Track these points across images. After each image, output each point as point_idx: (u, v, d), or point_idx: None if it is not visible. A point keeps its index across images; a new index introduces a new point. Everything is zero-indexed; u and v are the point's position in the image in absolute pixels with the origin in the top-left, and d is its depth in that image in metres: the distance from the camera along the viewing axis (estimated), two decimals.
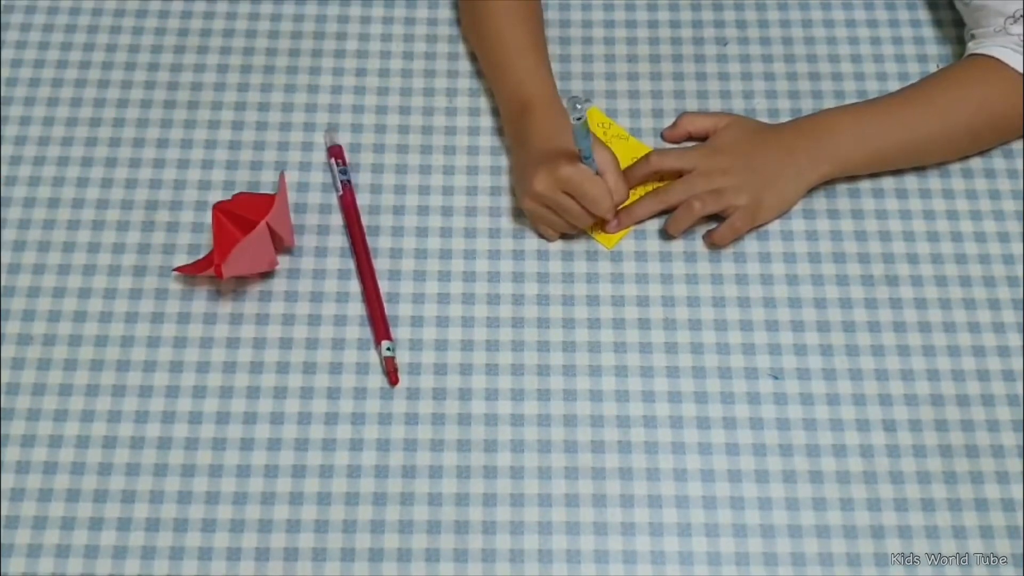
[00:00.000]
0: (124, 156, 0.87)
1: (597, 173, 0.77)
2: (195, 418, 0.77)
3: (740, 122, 0.86)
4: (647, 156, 0.85)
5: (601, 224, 0.84)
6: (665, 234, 0.84)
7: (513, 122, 0.84)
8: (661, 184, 0.85)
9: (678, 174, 0.84)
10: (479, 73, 0.90)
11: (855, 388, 0.79)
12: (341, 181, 0.85)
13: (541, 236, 0.84)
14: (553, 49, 0.92)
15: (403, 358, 0.79)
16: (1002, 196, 0.86)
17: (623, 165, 0.82)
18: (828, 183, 0.85)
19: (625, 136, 0.88)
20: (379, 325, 0.79)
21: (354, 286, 0.82)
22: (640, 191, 0.85)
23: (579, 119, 0.70)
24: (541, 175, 0.78)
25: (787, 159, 0.83)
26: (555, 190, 0.78)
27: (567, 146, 0.77)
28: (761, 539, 0.74)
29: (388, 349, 0.78)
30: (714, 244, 0.83)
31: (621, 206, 0.83)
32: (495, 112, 0.89)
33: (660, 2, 0.95)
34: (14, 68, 0.91)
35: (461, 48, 0.92)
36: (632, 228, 0.84)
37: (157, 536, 0.74)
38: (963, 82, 0.85)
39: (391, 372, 0.78)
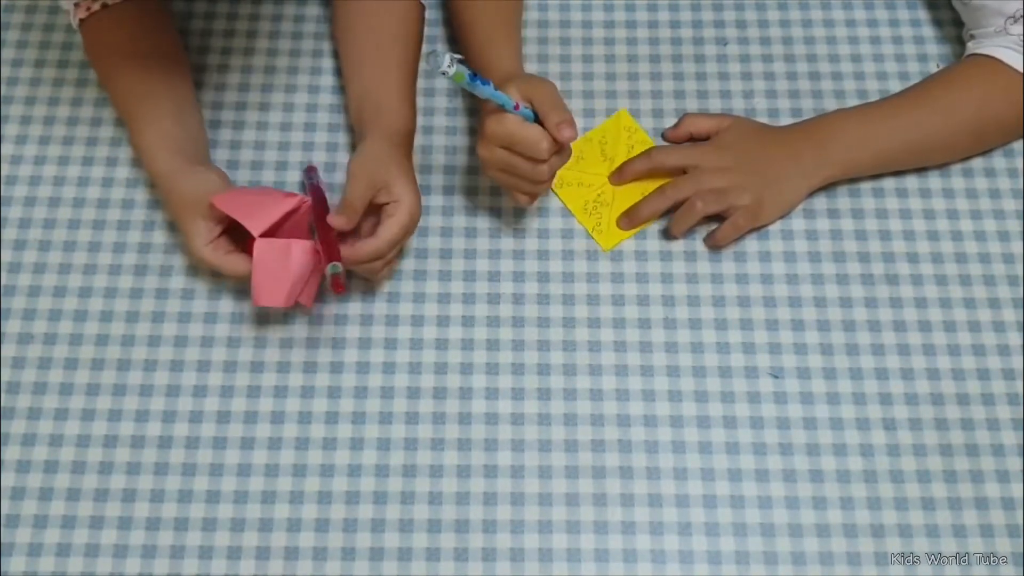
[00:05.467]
0: (125, 156, 0.87)
1: (537, 119, 0.74)
2: (195, 417, 0.77)
3: (743, 122, 0.86)
4: (648, 151, 0.85)
5: (599, 224, 0.84)
6: (665, 233, 0.84)
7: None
8: (662, 183, 0.85)
9: (680, 171, 0.84)
10: None
11: (855, 387, 0.79)
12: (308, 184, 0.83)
13: (516, 205, 0.81)
14: (553, 49, 0.92)
15: (404, 357, 0.79)
16: (1002, 195, 0.86)
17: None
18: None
19: (651, 144, 0.87)
20: (329, 249, 0.74)
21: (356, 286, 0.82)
22: (642, 191, 0.85)
23: (444, 74, 0.64)
24: (479, 141, 0.76)
25: (791, 161, 0.83)
26: (493, 150, 0.75)
27: (525, 86, 0.74)
28: (761, 538, 0.74)
29: (333, 268, 0.73)
30: (716, 244, 0.83)
31: (624, 208, 0.84)
32: None
33: (660, 2, 0.95)
34: (15, 68, 0.91)
35: (462, 49, 0.93)
36: (633, 232, 0.84)
37: (157, 535, 0.74)
38: (964, 82, 0.85)
39: (336, 284, 0.74)
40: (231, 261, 0.76)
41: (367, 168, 0.76)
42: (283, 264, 0.74)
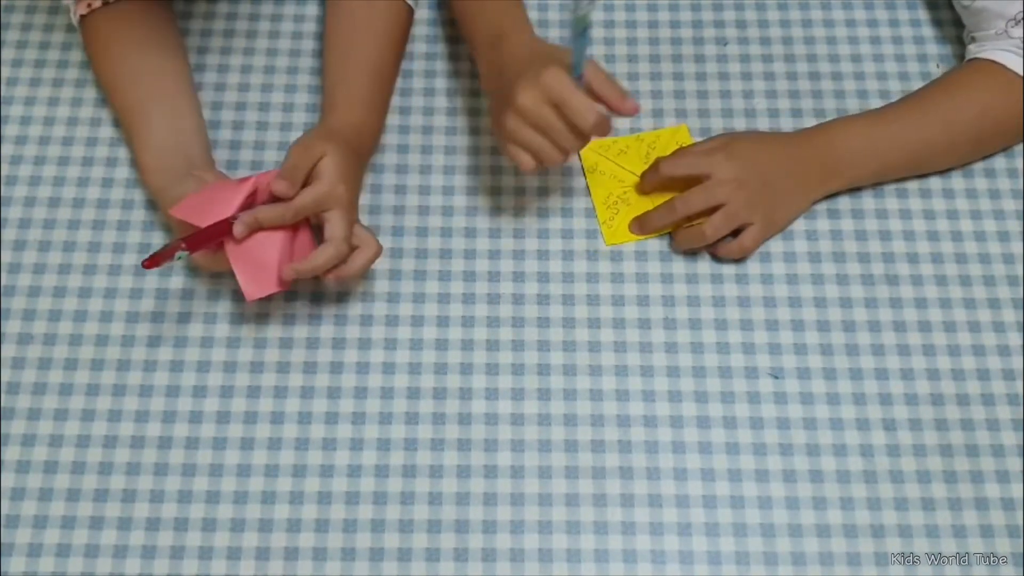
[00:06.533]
0: (125, 156, 0.87)
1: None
2: (195, 417, 0.77)
3: (745, 135, 0.84)
4: (656, 162, 0.83)
5: (612, 219, 0.84)
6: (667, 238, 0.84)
7: (486, 55, 0.80)
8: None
9: (689, 180, 0.82)
10: (478, 73, 0.90)
11: (855, 387, 0.79)
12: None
13: (517, 165, 0.76)
14: None
15: (403, 357, 0.79)
16: (1002, 195, 0.86)
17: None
18: None
19: None
20: (201, 234, 0.72)
21: (359, 286, 0.82)
22: (654, 198, 0.85)
23: (574, 13, 0.66)
24: (524, 85, 0.72)
25: (797, 177, 0.82)
26: (539, 102, 0.72)
27: (551, 54, 0.74)
28: (761, 538, 0.74)
29: (178, 257, 0.71)
30: (718, 257, 0.83)
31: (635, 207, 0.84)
32: None
33: (660, 2, 0.95)
34: (15, 68, 0.91)
35: (461, 48, 0.93)
36: (641, 238, 0.84)
37: (157, 535, 0.74)
38: (965, 87, 0.84)
39: (155, 259, 0.70)
40: (216, 260, 0.76)
41: (303, 140, 0.76)
42: (262, 250, 0.74)
